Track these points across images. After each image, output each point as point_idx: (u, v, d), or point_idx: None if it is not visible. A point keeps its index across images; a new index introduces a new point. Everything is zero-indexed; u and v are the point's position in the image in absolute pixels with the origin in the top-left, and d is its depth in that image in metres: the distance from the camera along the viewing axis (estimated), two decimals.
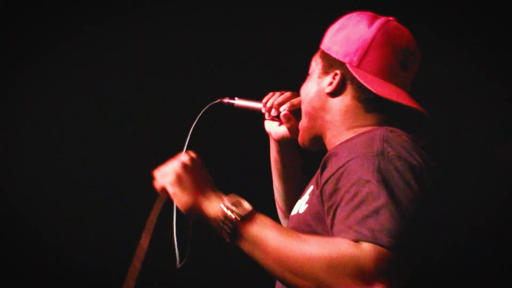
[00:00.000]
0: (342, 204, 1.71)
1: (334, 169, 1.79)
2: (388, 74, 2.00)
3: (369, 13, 2.09)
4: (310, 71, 2.12)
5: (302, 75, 2.16)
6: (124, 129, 3.75)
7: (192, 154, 1.99)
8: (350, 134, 1.98)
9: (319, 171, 1.89)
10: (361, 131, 1.96)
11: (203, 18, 3.58)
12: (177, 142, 3.75)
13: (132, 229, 3.74)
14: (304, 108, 2.11)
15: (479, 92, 3.56)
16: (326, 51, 2.06)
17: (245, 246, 1.77)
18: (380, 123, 1.96)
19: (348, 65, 2.01)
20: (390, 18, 2.08)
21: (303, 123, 2.11)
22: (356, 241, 1.63)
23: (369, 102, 1.99)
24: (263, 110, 2.27)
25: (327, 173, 1.82)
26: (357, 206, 1.68)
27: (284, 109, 2.23)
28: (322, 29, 2.12)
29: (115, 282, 3.71)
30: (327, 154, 1.90)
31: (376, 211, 1.65)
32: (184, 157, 1.99)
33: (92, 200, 3.74)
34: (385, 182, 1.70)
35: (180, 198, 1.95)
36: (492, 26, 3.39)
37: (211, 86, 3.71)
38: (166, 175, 1.98)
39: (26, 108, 3.62)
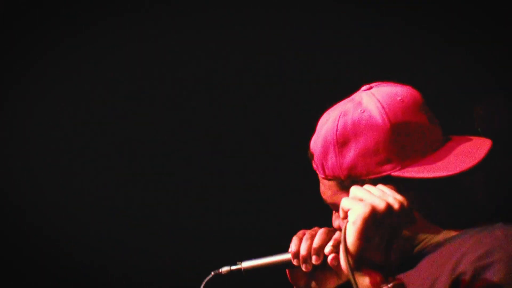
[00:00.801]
0: None
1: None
2: (430, 144, 1.69)
3: (344, 116, 1.73)
4: (336, 209, 1.79)
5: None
6: (124, 129, 3.74)
7: (402, 199, 1.55)
8: (437, 237, 1.71)
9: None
10: (450, 233, 1.71)
11: (207, 19, 3.57)
12: (177, 142, 3.75)
13: (132, 229, 3.75)
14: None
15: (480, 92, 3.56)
16: (348, 180, 1.71)
17: None
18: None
19: (392, 175, 1.68)
20: (366, 89, 1.77)
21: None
22: None
23: (439, 195, 1.71)
24: (296, 263, 1.81)
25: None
26: None
27: (330, 251, 1.78)
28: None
29: (115, 282, 3.72)
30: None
31: None
32: (395, 198, 1.54)
33: (92, 200, 3.74)
34: None
35: (359, 238, 1.53)
36: (492, 26, 3.39)
37: (211, 86, 3.71)
38: (361, 201, 1.55)
39: (26, 108, 3.62)
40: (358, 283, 1.49)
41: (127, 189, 3.77)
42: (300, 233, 1.83)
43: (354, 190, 1.57)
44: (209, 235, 3.73)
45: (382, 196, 1.53)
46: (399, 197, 1.53)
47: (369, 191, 1.55)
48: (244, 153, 3.74)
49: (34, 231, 3.67)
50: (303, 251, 1.78)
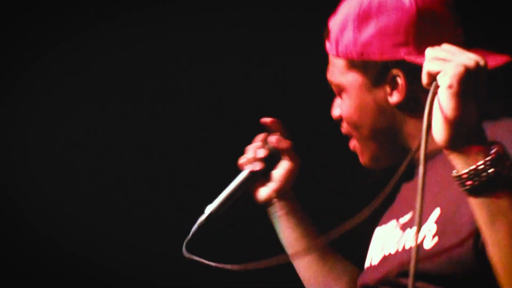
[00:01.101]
0: None
1: None
2: (451, 42, 1.51)
3: None
4: (336, 90, 1.73)
5: None
6: (125, 129, 3.74)
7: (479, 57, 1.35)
8: None
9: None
10: None
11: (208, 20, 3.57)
12: (177, 142, 3.75)
13: (132, 230, 3.75)
14: (362, 135, 1.69)
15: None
16: (360, 58, 1.64)
17: (492, 204, 1.29)
18: None
19: (407, 59, 1.59)
20: None
21: (369, 147, 1.69)
22: None
23: None
24: (247, 169, 1.83)
25: None
26: None
27: (272, 141, 1.85)
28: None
29: (115, 282, 3.72)
30: None
31: None
32: (471, 55, 1.34)
33: (93, 200, 3.74)
34: None
35: (459, 103, 1.32)
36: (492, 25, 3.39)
37: (211, 87, 3.71)
38: (446, 64, 1.33)
39: (26, 108, 3.62)
40: (460, 155, 1.32)
41: (127, 189, 3.77)
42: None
43: (432, 51, 1.37)
44: (209, 235, 3.72)
45: (465, 54, 1.36)
46: (474, 55, 1.37)
47: (448, 51, 1.37)
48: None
49: (33, 231, 3.67)
50: (249, 155, 1.83)
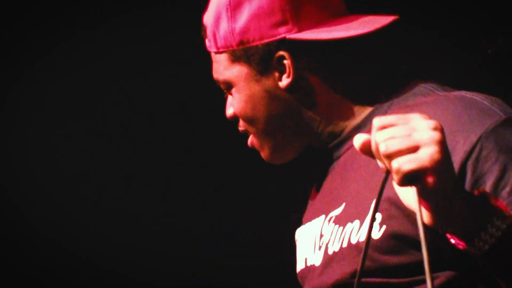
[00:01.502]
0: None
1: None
2: (332, 10, 1.50)
3: None
4: (224, 87, 1.62)
5: None
6: (125, 129, 3.74)
7: (436, 122, 1.16)
8: (360, 111, 1.51)
9: None
10: (376, 99, 1.50)
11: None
12: (177, 142, 3.75)
13: (132, 230, 3.75)
14: (260, 127, 1.58)
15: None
16: (240, 47, 1.53)
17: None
18: (373, 84, 1.51)
19: (288, 37, 1.48)
20: None
21: (268, 141, 1.59)
22: None
23: (344, 59, 1.50)
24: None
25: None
26: None
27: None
28: None
29: (115, 282, 3.72)
30: None
31: None
32: (430, 124, 1.14)
33: (92, 200, 3.74)
34: None
35: (444, 183, 1.13)
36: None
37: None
38: (418, 157, 1.12)
39: (26, 108, 3.62)
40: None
41: (127, 188, 3.77)
42: None
43: (380, 122, 1.17)
44: (208, 236, 3.73)
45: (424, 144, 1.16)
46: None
47: (402, 131, 1.15)
48: (246, 153, 3.74)
49: (33, 231, 3.67)
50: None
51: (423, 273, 1.09)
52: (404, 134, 1.12)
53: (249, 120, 1.60)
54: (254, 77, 1.53)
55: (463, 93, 1.44)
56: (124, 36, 3.51)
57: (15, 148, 3.63)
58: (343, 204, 1.49)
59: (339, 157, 1.55)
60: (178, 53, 3.60)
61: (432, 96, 1.45)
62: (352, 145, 1.25)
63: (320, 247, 1.53)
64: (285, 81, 1.52)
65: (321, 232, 1.54)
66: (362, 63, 1.53)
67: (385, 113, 1.47)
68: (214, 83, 1.69)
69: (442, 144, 1.12)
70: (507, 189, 1.27)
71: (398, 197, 1.22)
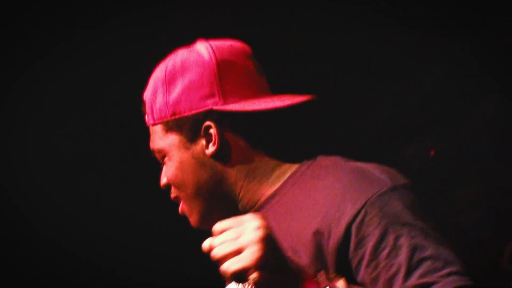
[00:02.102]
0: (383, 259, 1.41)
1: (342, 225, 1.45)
2: (256, 90, 1.66)
3: (175, 56, 1.76)
4: (161, 156, 1.74)
5: None
6: (124, 129, 3.74)
7: (262, 221, 1.37)
8: (275, 181, 1.66)
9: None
10: (288, 170, 1.66)
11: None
12: None
13: (132, 230, 3.76)
14: (188, 192, 1.70)
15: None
16: (173, 117, 1.69)
17: None
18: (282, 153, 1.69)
19: (214, 108, 1.65)
20: (202, 40, 1.77)
21: (196, 206, 1.71)
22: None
23: (263, 133, 1.67)
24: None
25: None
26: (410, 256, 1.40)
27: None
28: None
29: (115, 282, 3.73)
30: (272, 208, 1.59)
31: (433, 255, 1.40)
32: (255, 224, 1.36)
33: (93, 200, 3.74)
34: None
35: (272, 274, 1.33)
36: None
37: None
38: (241, 258, 1.34)
39: (26, 108, 3.62)
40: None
41: (127, 188, 3.78)
42: None
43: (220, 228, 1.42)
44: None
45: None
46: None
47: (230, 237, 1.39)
48: None
49: (33, 230, 3.68)
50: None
51: None
52: (233, 237, 1.35)
53: (179, 186, 1.72)
54: (184, 144, 1.67)
55: (359, 164, 1.58)
56: (124, 36, 3.52)
57: (15, 148, 3.63)
58: None
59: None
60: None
61: (334, 167, 1.60)
62: (266, 213, 1.54)
63: None
64: (211, 149, 1.66)
65: None
66: (280, 135, 1.70)
67: (297, 180, 1.63)
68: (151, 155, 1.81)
69: (264, 241, 1.32)
70: (385, 251, 1.39)
71: (302, 236, 1.47)
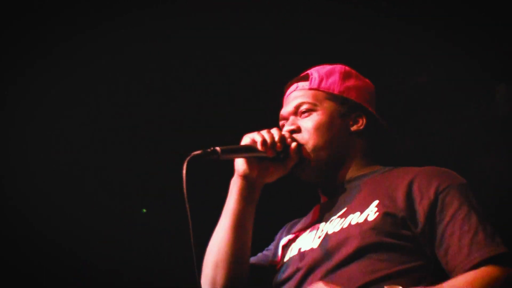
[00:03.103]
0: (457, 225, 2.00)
1: (432, 189, 2.04)
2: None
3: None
4: (307, 107, 2.26)
5: None
6: (124, 129, 3.75)
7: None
8: (373, 167, 2.24)
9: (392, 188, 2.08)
10: (379, 166, 2.26)
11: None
12: (175, 142, 3.76)
13: (131, 230, 3.76)
14: (320, 143, 2.21)
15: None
16: (340, 94, 2.26)
17: None
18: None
19: (370, 110, 2.27)
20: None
21: (318, 157, 2.20)
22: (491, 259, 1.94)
23: (382, 139, 2.29)
24: (262, 148, 2.14)
25: (421, 188, 2.05)
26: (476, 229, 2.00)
27: (292, 142, 2.19)
28: None
29: (115, 281, 3.73)
30: (392, 174, 2.15)
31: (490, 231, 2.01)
32: None
33: (93, 201, 3.75)
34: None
35: None
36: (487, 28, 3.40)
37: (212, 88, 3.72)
38: None
39: (26, 108, 3.63)
40: None
41: (127, 188, 3.78)
42: (255, 133, 2.18)
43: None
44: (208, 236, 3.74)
45: None
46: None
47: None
48: None
49: (33, 230, 3.68)
50: (269, 139, 2.14)
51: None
52: None
53: (316, 137, 2.22)
54: (338, 114, 2.24)
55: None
56: (124, 36, 3.52)
57: (15, 148, 3.64)
58: (345, 208, 2.14)
59: (344, 190, 2.22)
60: (179, 53, 3.62)
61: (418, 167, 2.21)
62: (362, 180, 2.18)
63: (319, 237, 2.12)
64: (353, 128, 2.24)
65: (320, 230, 2.14)
66: (385, 141, 2.33)
67: (384, 172, 2.22)
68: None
69: None
70: (461, 216, 2.01)
71: (391, 198, 2.07)
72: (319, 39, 3.46)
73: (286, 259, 2.17)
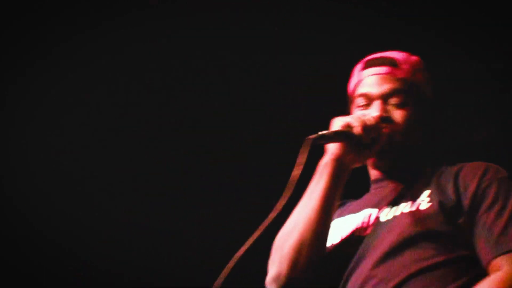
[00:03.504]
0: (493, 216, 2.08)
1: (476, 180, 2.13)
2: None
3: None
4: (400, 100, 2.29)
5: None
6: (124, 129, 3.75)
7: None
8: (425, 159, 2.30)
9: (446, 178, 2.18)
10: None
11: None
12: (173, 142, 3.76)
13: (131, 230, 3.76)
14: (404, 138, 2.26)
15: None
16: (420, 88, 2.31)
17: None
18: None
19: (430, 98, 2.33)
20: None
21: (400, 149, 2.26)
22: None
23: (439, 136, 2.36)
24: (358, 134, 2.18)
25: (467, 181, 2.14)
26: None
27: (384, 130, 2.24)
28: None
29: (115, 281, 3.73)
30: (449, 168, 2.22)
31: None
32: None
33: (93, 201, 3.75)
34: None
35: None
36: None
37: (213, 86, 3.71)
38: None
39: (26, 109, 3.63)
40: None
41: (127, 188, 3.78)
42: (348, 117, 2.20)
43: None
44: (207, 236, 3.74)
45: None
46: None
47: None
48: (247, 154, 3.75)
49: (33, 230, 3.68)
50: (368, 125, 2.17)
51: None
52: None
53: (404, 132, 2.26)
54: (422, 112, 2.29)
55: None
56: (124, 36, 3.52)
57: (15, 148, 3.64)
58: (396, 196, 2.21)
59: (398, 179, 2.28)
60: (179, 53, 3.61)
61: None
62: (405, 175, 2.25)
63: (372, 224, 2.17)
64: (426, 119, 2.28)
65: (373, 216, 2.19)
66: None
67: (435, 164, 2.28)
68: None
69: None
70: (500, 202, 2.09)
71: (443, 189, 2.13)
72: (319, 39, 3.46)
73: (336, 241, 2.21)
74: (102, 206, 3.75)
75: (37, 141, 3.64)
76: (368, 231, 2.15)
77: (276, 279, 2.12)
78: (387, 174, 2.29)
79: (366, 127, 2.15)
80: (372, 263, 2.07)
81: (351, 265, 2.11)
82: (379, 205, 2.21)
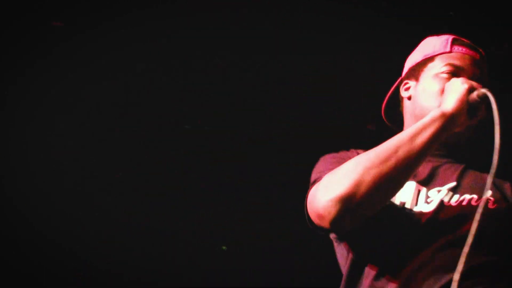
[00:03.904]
0: None
1: None
2: None
3: None
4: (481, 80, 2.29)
5: None
6: (124, 129, 3.75)
7: None
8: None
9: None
10: None
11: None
12: (173, 142, 3.76)
13: (131, 230, 3.76)
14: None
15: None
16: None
17: None
18: None
19: None
20: None
21: (472, 130, 2.26)
22: None
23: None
24: (475, 100, 2.16)
25: None
26: None
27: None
28: None
29: (115, 282, 3.73)
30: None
31: None
32: None
33: (93, 201, 3.75)
34: None
35: None
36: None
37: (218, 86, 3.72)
38: None
39: (26, 107, 3.63)
40: None
41: (127, 188, 3.78)
42: (466, 80, 2.21)
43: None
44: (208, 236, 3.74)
45: None
46: None
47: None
48: (247, 154, 3.76)
49: (33, 230, 3.68)
50: (485, 91, 2.12)
51: None
52: None
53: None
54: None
55: None
56: (124, 36, 3.52)
57: (15, 148, 3.64)
58: (455, 183, 2.21)
59: (453, 164, 2.30)
60: (178, 54, 3.62)
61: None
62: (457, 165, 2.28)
63: (432, 201, 2.17)
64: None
65: (430, 193, 2.20)
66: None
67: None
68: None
69: None
70: None
71: (502, 191, 2.21)
72: (319, 39, 3.47)
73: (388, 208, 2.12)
74: (102, 206, 3.75)
75: (37, 141, 3.65)
76: (431, 209, 2.13)
77: (345, 199, 1.98)
78: (449, 151, 2.27)
79: (481, 96, 2.11)
80: (438, 245, 2.05)
81: (417, 243, 2.06)
82: (433, 185, 2.21)
